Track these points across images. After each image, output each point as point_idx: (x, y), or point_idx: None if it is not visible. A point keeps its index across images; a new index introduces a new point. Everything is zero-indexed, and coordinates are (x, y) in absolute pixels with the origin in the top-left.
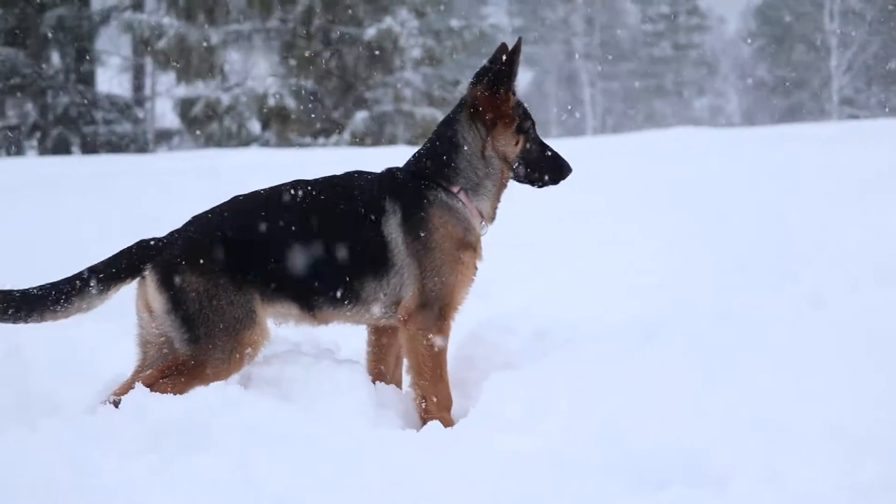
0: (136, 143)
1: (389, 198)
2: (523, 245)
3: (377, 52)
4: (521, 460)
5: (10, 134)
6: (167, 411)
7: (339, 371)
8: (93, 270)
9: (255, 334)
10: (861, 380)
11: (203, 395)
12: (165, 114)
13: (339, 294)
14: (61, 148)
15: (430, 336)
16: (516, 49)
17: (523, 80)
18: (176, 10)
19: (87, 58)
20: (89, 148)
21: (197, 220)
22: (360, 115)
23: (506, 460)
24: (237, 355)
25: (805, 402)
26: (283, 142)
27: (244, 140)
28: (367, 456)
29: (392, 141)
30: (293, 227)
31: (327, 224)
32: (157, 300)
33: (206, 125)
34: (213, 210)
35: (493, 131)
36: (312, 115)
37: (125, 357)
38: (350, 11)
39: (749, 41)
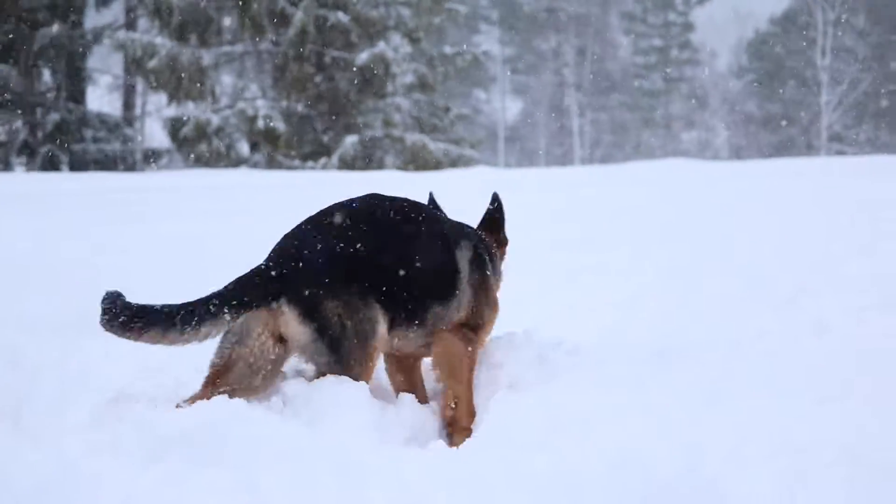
0: (125, 162)
1: (465, 237)
2: (521, 270)
3: (369, 77)
4: (531, 482)
5: None
6: (173, 425)
7: (343, 388)
8: (222, 297)
9: (380, 346)
10: (869, 404)
11: (209, 410)
12: (155, 133)
13: (412, 313)
14: (50, 165)
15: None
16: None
17: (513, 108)
18: (168, 31)
19: (79, 76)
20: (78, 166)
21: (304, 240)
22: (350, 140)
23: (516, 481)
24: (368, 369)
25: (817, 428)
26: (272, 164)
27: (233, 161)
28: (373, 472)
29: (381, 166)
30: (395, 244)
31: (419, 244)
32: (302, 332)
33: (195, 145)
34: (313, 227)
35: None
36: (302, 138)
37: (128, 372)
38: (343, 35)
39: (739, 76)
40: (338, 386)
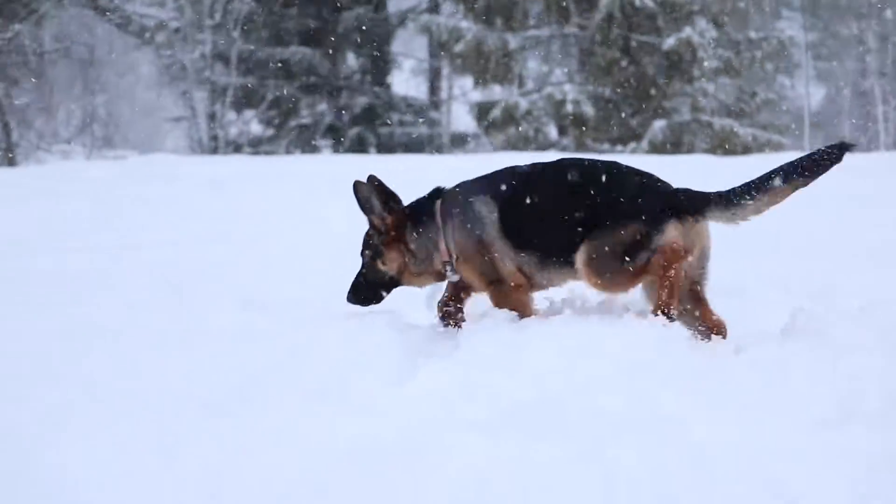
0: (431, 145)
1: None
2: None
3: (675, 62)
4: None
5: (304, 132)
6: (515, 397)
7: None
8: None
9: None
10: None
11: (548, 381)
12: (460, 117)
13: None
14: (357, 148)
15: None
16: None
17: (816, 94)
18: (474, 14)
19: (383, 59)
20: (385, 149)
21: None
22: (658, 124)
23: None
24: None
25: None
26: (580, 147)
27: (541, 145)
28: (716, 447)
29: (690, 150)
30: None
31: None
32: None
33: (502, 129)
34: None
35: None
36: (610, 123)
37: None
38: (649, 20)
39: None
40: (690, 355)
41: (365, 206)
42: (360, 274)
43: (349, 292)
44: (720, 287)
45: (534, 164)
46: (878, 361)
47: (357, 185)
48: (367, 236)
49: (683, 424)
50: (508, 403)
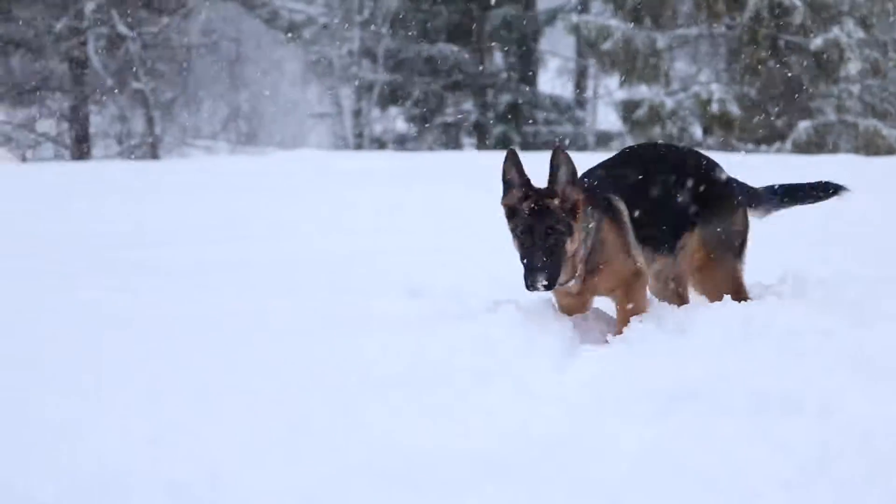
0: (576, 144)
1: None
2: None
3: (822, 63)
4: None
5: (448, 130)
6: (679, 382)
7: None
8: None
9: None
10: None
11: (709, 366)
12: (606, 116)
13: None
14: (501, 146)
15: None
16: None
17: None
18: (623, 13)
19: (530, 58)
20: (529, 147)
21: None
22: (804, 125)
23: None
24: None
25: None
26: (726, 147)
27: (686, 144)
28: None
29: (834, 151)
30: None
31: None
32: None
33: (648, 128)
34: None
35: None
36: (755, 122)
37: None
38: (797, 20)
39: None
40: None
41: (554, 174)
42: (546, 251)
43: (543, 273)
44: (840, 276)
45: (630, 154)
46: None
47: (558, 151)
48: (552, 211)
49: (848, 407)
50: (672, 386)
